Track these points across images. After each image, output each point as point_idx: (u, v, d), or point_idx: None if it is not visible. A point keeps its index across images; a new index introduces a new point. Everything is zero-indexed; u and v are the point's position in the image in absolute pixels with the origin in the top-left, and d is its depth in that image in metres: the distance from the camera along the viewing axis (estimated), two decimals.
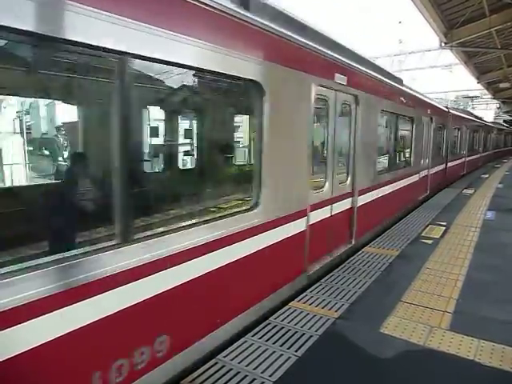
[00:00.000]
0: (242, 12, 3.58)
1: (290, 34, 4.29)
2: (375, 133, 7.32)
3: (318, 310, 4.25)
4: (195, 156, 6.49)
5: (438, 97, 33.29)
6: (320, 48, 4.97)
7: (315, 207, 5.07)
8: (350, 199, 6.26)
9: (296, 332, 3.78)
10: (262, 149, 3.88)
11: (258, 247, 3.91)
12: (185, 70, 3.32)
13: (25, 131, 12.07)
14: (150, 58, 2.77)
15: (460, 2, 13.99)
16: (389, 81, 8.00)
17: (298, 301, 4.48)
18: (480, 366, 3.32)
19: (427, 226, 8.12)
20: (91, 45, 2.36)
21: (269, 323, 3.94)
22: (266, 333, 3.76)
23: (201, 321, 3.34)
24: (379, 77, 7.32)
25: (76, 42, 2.30)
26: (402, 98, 8.85)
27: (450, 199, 11.49)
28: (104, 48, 2.43)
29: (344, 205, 6.06)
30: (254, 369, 3.19)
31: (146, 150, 6.45)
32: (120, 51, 2.52)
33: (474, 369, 3.29)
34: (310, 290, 4.80)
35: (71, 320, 2.34)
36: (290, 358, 3.36)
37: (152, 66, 3.02)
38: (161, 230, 3.00)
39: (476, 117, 21.70)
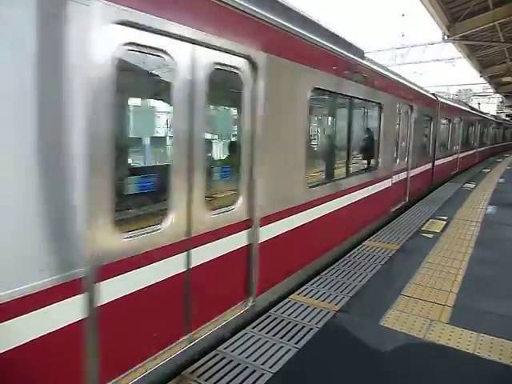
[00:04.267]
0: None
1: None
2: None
3: (318, 303, 4.26)
4: None
5: (441, 90, 33.11)
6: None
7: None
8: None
9: (296, 324, 3.80)
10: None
11: None
12: None
13: None
14: None
15: None
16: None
17: (298, 294, 4.50)
18: (479, 359, 3.33)
19: (428, 220, 8.11)
20: None
21: (269, 315, 3.96)
22: (267, 325, 3.77)
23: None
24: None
25: None
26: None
27: (451, 194, 11.48)
28: None
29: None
30: (255, 360, 3.21)
31: None
32: None
33: (473, 362, 3.30)
34: (310, 283, 4.81)
35: None
36: (290, 350, 3.37)
37: None
38: None
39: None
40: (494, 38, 17.98)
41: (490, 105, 47.27)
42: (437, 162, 12.90)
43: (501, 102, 45.97)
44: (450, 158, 15.22)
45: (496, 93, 37.03)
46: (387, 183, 7.96)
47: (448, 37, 16.58)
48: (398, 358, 3.36)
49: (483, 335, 3.68)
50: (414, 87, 10.22)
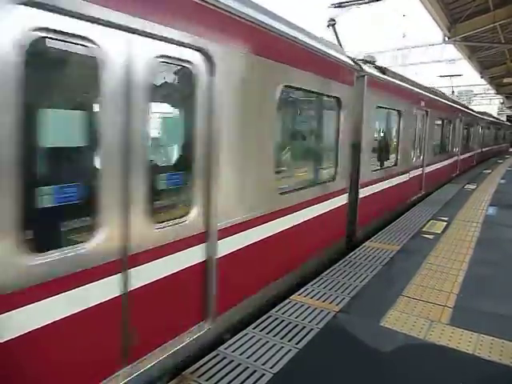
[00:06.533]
0: None
1: None
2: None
3: (318, 304, 4.27)
4: None
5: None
6: None
7: None
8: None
9: (297, 325, 3.80)
10: None
11: None
12: None
13: None
14: None
15: None
16: None
17: (299, 294, 4.50)
18: (480, 359, 3.34)
19: (429, 221, 8.11)
20: None
21: (270, 316, 3.96)
22: (267, 325, 3.78)
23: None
24: None
25: None
26: None
27: (452, 194, 11.48)
28: None
29: None
30: (255, 361, 3.22)
31: None
32: None
33: (473, 363, 3.31)
34: (310, 283, 4.82)
35: None
36: (290, 350, 3.38)
37: None
38: None
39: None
40: (495, 40, 17.99)
41: (491, 105, 47.28)
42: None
43: (501, 103, 45.99)
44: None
45: (497, 94, 37.03)
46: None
47: (448, 38, 16.60)
48: (398, 358, 3.37)
49: (483, 336, 3.69)
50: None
